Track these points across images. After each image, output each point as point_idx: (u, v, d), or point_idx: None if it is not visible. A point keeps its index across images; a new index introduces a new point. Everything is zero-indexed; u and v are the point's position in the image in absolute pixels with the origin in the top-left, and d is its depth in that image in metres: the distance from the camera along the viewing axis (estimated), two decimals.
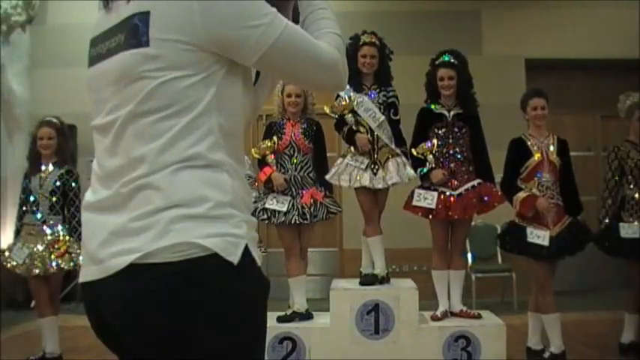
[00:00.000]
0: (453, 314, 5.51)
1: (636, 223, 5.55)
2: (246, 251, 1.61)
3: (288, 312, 5.48)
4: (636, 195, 5.60)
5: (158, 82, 1.58)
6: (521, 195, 5.28)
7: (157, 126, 1.59)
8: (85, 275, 1.66)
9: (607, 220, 5.69)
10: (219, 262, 1.55)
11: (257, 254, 1.66)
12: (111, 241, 1.57)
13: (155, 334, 1.55)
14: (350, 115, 5.46)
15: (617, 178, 5.70)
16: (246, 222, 1.65)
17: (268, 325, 5.33)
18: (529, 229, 5.25)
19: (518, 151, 5.42)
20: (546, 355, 5.31)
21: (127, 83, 1.61)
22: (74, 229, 5.77)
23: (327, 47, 1.75)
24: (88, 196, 1.70)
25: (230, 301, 1.57)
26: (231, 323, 1.58)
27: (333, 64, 1.75)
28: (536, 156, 5.35)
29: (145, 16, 1.60)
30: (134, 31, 1.60)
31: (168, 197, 1.55)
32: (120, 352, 1.70)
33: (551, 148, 5.39)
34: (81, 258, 5.94)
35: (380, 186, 5.43)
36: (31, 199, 5.77)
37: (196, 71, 1.60)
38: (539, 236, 5.21)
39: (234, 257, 1.57)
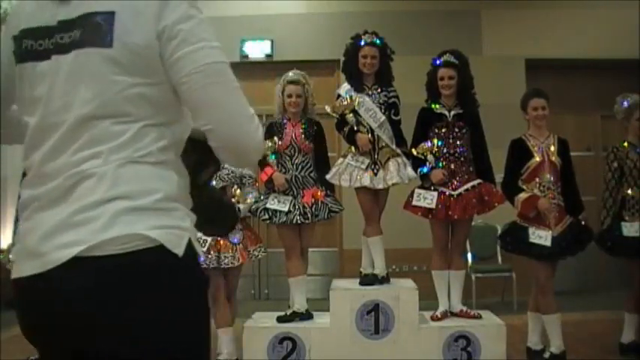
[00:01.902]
0: (453, 314, 5.52)
1: (637, 222, 5.55)
2: (190, 244, 1.60)
3: (288, 312, 5.48)
4: (636, 195, 5.61)
5: (117, 88, 1.57)
6: (523, 196, 5.28)
7: (112, 129, 1.58)
8: (22, 270, 1.61)
9: (609, 221, 5.70)
10: (164, 254, 1.55)
11: (199, 249, 1.66)
12: (53, 234, 1.55)
13: (99, 328, 1.54)
14: (351, 115, 5.46)
15: (616, 178, 5.71)
16: (189, 216, 1.66)
17: (269, 325, 5.37)
18: (531, 230, 5.25)
19: (519, 152, 5.41)
20: (546, 355, 5.31)
21: (82, 84, 1.59)
22: None
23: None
24: (27, 193, 1.66)
25: (176, 293, 1.57)
26: (177, 315, 1.57)
27: (257, 125, 1.69)
28: (537, 157, 5.35)
29: (109, 16, 1.58)
30: (96, 30, 1.58)
31: (111, 188, 1.54)
32: (53, 349, 1.66)
33: (552, 148, 5.39)
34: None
35: (380, 186, 5.43)
36: None
37: (154, 80, 1.60)
38: (541, 236, 5.21)
39: (179, 249, 1.57)
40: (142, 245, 1.53)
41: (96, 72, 1.57)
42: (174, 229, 1.58)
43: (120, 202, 1.54)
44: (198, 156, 1.76)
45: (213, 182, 5.29)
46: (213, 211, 1.90)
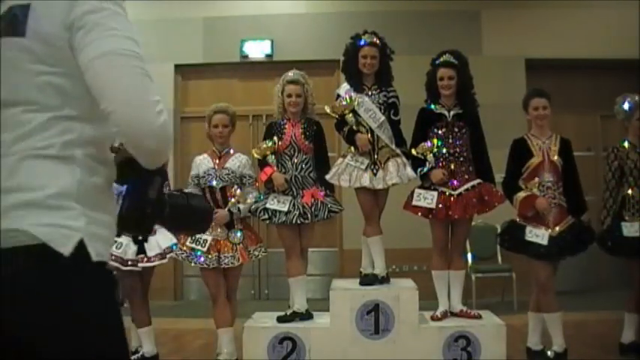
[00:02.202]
0: (453, 314, 5.51)
1: (637, 222, 5.54)
2: (81, 245, 1.58)
3: (288, 312, 5.47)
4: (637, 195, 5.60)
5: (29, 75, 1.61)
6: (522, 195, 5.28)
7: (21, 117, 1.61)
8: None
9: (609, 221, 5.69)
10: (47, 253, 1.53)
11: (95, 251, 1.62)
12: None
13: None
14: (350, 115, 5.46)
15: (617, 178, 5.70)
16: (87, 216, 1.62)
17: (269, 325, 5.34)
18: (528, 228, 5.26)
19: (520, 152, 5.42)
20: (550, 354, 5.30)
21: None
22: None
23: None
24: None
25: (58, 293, 1.54)
26: (59, 318, 1.55)
27: (160, 112, 1.67)
28: (537, 156, 5.35)
29: (25, 7, 1.64)
30: (13, 21, 1.63)
31: (8, 179, 1.56)
32: None
33: (553, 148, 5.39)
34: None
35: (380, 186, 5.43)
36: None
37: (66, 70, 1.63)
38: (537, 235, 5.22)
39: (65, 249, 1.55)
40: (25, 241, 1.52)
41: (11, 60, 1.62)
42: (63, 228, 1.57)
43: (13, 195, 1.55)
44: (135, 175, 1.76)
45: (214, 182, 5.30)
46: (185, 218, 1.90)
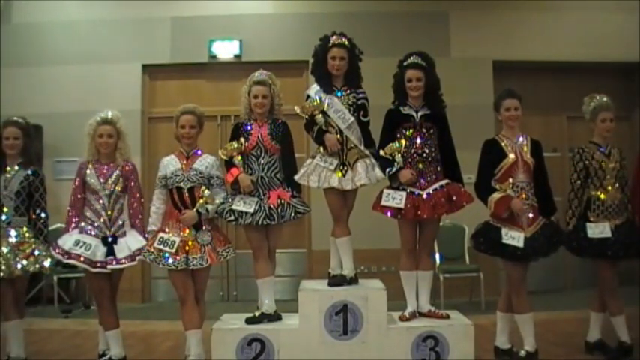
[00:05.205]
0: (422, 314, 5.52)
1: (602, 223, 5.60)
2: None
3: (257, 313, 5.45)
4: (602, 196, 5.66)
5: None
6: (496, 196, 5.31)
7: None
8: None
9: (574, 222, 5.74)
10: None
11: None
12: None
13: None
14: (320, 115, 5.46)
15: (582, 179, 5.75)
16: None
17: (237, 326, 5.31)
18: (504, 230, 5.29)
19: (493, 153, 5.45)
20: (522, 353, 5.34)
21: None
22: (40, 231, 5.70)
23: None
24: None
25: None
26: None
27: None
28: (511, 157, 5.39)
29: None
30: None
31: None
32: None
33: (525, 148, 5.44)
34: (48, 261, 5.80)
35: (349, 187, 5.43)
36: None
37: None
38: (513, 237, 5.24)
39: None
40: None
41: None
42: None
43: None
44: None
45: (182, 184, 5.27)
46: None
